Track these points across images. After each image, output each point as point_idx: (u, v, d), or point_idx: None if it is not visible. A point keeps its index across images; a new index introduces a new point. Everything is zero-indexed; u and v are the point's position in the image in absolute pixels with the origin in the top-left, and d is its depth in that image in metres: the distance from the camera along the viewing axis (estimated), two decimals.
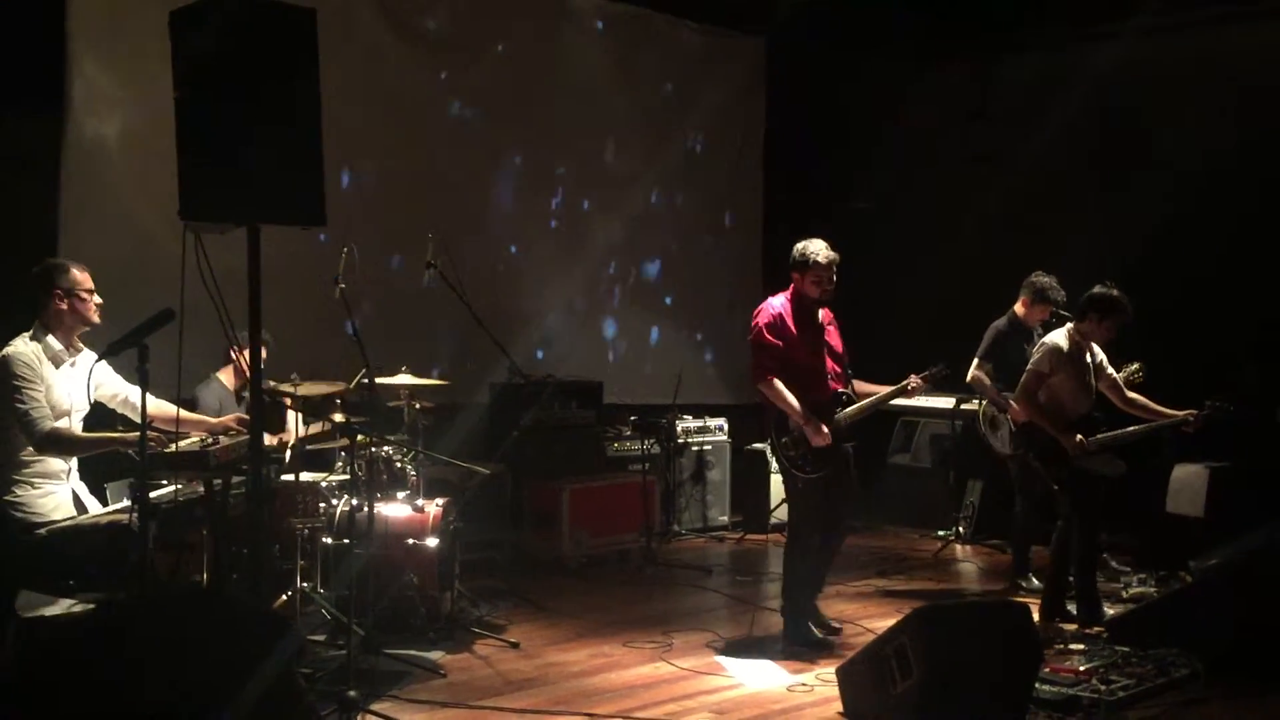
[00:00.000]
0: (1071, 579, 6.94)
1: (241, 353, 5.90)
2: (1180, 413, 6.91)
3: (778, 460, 6.51)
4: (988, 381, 7.70)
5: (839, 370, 6.55)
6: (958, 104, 10.50)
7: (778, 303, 6.50)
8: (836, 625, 6.69)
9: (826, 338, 6.54)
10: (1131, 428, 6.93)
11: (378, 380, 6.57)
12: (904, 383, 6.52)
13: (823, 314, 6.58)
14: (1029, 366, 6.95)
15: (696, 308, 11.01)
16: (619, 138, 10.40)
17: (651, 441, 9.37)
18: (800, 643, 6.41)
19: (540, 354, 9.59)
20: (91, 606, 4.26)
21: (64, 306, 5.48)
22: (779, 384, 6.33)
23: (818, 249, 6.41)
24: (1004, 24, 10.02)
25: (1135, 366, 7.29)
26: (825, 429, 6.29)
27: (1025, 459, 7.34)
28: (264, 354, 6.90)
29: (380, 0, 8.77)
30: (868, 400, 6.54)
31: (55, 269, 5.54)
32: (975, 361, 7.85)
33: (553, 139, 9.89)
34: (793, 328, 6.41)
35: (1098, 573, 7.06)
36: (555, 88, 9.86)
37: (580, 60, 10.05)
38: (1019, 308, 7.85)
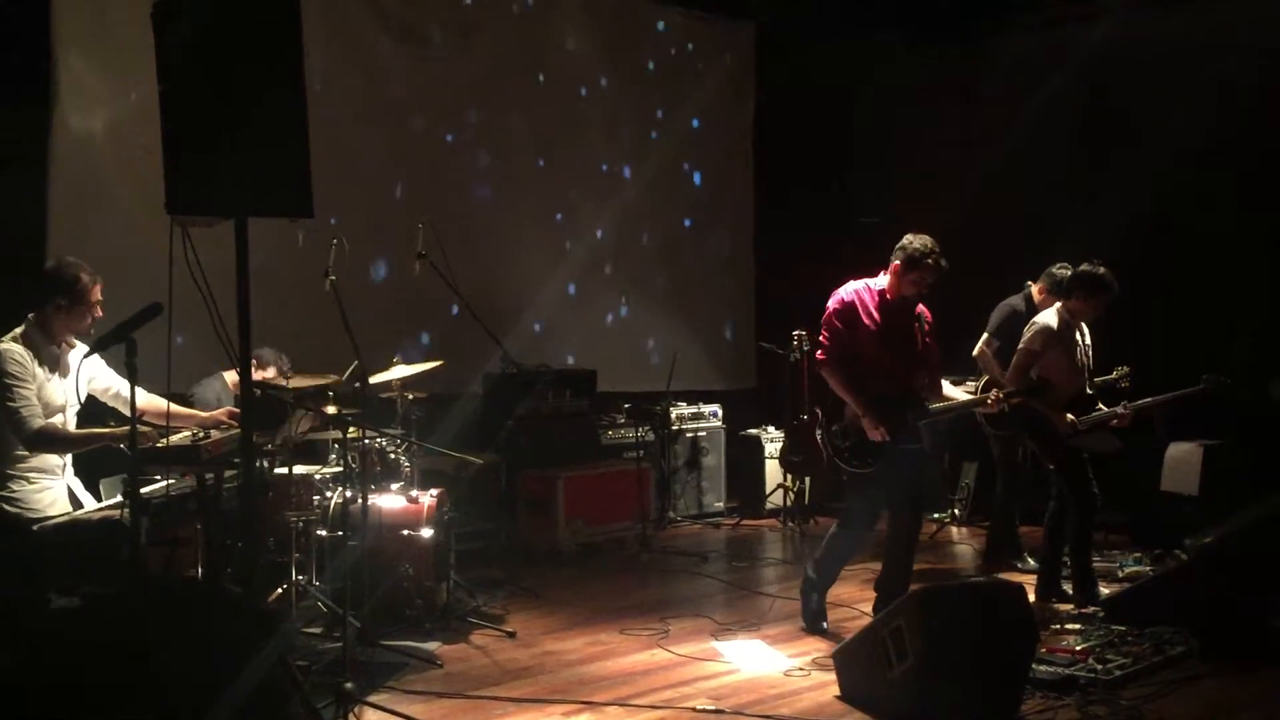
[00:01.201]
0: (1067, 559, 6.95)
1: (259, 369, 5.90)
2: (1110, 409, 6.91)
3: (824, 448, 6.38)
4: (993, 359, 7.67)
5: (914, 367, 6.30)
6: (950, 84, 10.47)
7: (855, 288, 6.29)
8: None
9: (913, 335, 6.31)
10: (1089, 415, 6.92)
11: (371, 376, 6.57)
12: (983, 396, 6.56)
13: (919, 310, 6.34)
14: (1020, 345, 6.95)
15: (689, 294, 11.00)
16: (609, 124, 10.37)
17: (646, 429, 9.37)
18: (810, 612, 6.42)
19: (534, 340, 9.57)
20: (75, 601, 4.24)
21: (62, 316, 5.45)
22: (839, 371, 6.19)
23: (931, 249, 6.15)
24: (995, 4, 10.00)
25: (1125, 370, 7.27)
26: (882, 425, 6.11)
27: (1011, 437, 7.35)
28: (274, 373, 6.96)
29: None
30: (945, 405, 6.45)
31: (65, 276, 5.45)
32: (984, 337, 7.85)
33: (541, 127, 9.87)
34: (867, 318, 6.22)
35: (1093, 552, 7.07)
36: (542, 75, 9.84)
37: (567, 48, 10.02)
38: (1035, 293, 7.83)
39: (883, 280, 6.32)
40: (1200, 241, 8.85)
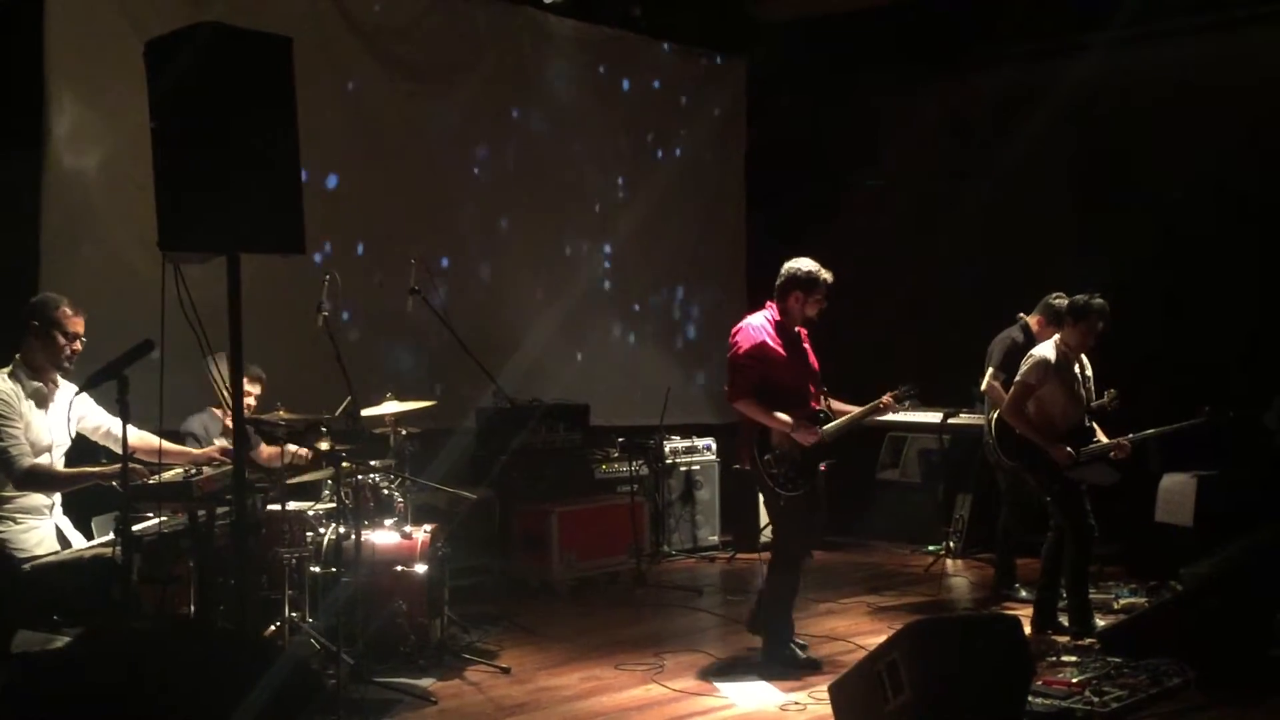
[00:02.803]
0: (1063, 591, 6.93)
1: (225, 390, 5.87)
2: (1113, 440, 6.92)
3: (759, 480, 6.45)
4: (1002, 392, 7.63)
5: (816, 389, 6.55)
6: (939, 120, 10.53)
7: (759, 323, 6.45)
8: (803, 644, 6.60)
9: (808, 356, 6.56)
10: (1091, 446, 6.91)
11: (364, 411, 6.57)
12: (876, 401, 6.57)
13: (801, 332, 6.58)
14: (1017, 378, 6.96)
15: (682, 328, 11.02)
16: (602, 160, 10.41)
17: (640, 463, 9.35)
18: (783, 663, 6.37)
19: (527, 375, 9.56)
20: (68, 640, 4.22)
21: (37, 343, 5.44)
22: (754, 400, 6.31)
23: (819, 267, 6.44)
24: (980, 40, 10.06)
25: (1113, 393, 7.28)
26: (812, 431, 6.30)
27: (1017, 469, 7.33)
28: (257, 388, 6.92)
29: (358, 28, 8.78)
30: (844, 419, 6.56)
31: (45, 302, 5.49)
32: (990, 371, 7.85)
33: (534, 163, 9.90)
34: (778, 348, 6.39)
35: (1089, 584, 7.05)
36: (535, 112, 9.88)
37: (560, 85, 10.07)
38: (1034, 324, 7.83)
39: (769, 312, 6.50)
40: (1191, 272, 8.88)
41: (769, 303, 6.54)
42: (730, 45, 11.20)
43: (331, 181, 8.47)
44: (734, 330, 6.52)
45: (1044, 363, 6.86)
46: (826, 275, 6.42)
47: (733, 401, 6.43)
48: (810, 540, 6.61)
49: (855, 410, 6.62)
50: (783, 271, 6.49)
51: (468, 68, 9.46)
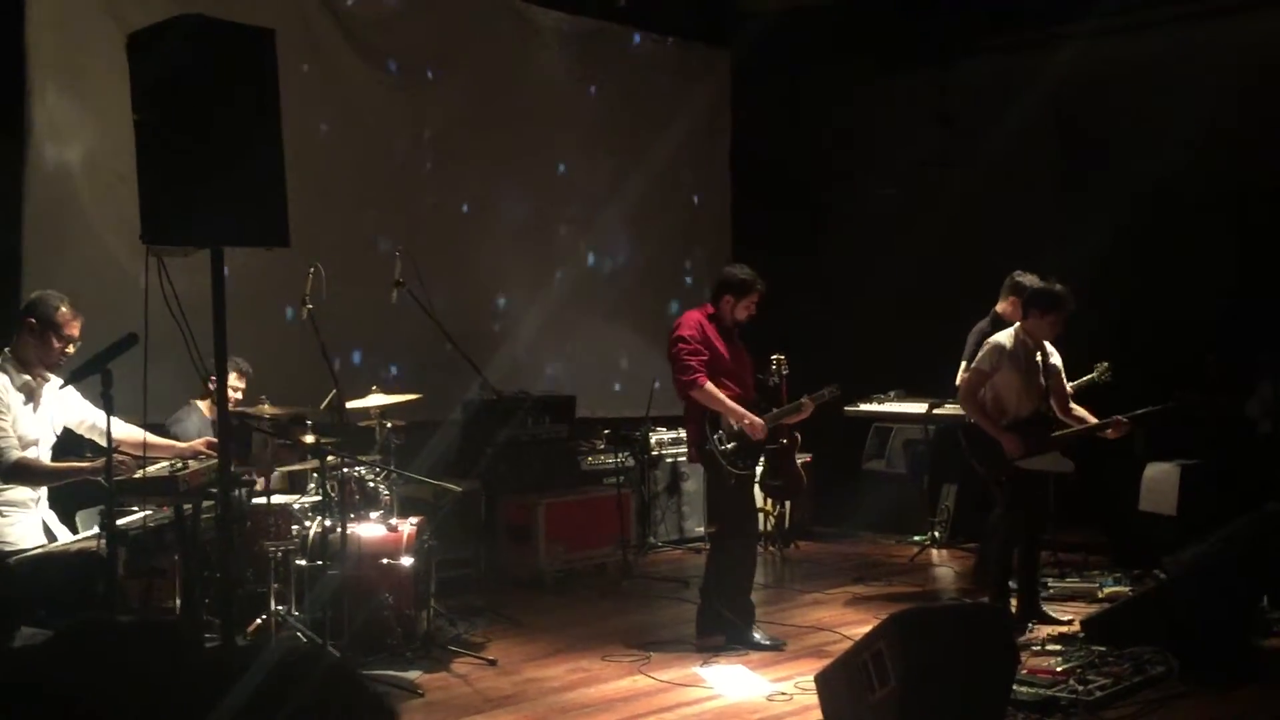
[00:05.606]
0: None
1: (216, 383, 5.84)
2: (1102, 420, 6.92)
3: (711, 461, 6.52)
4: None
5: (752, 382, 6.72)
6: (922, 110, 10.54)
7: (697, 319, 6.64)
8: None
9: (745, 354, 6.72)
10: (1073, 429, 6.90)
11: (349, 404, 6.56)
12: (798, 401, 6.66)
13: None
14: (972, 364, 6.93)
15: (668, 319, 11.01)
16: (587, 151, 10.40)
17: (626, 454, 9.36)
18: (747, 645, 6.48)
19: (513, 367, 9.56)
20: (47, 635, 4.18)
21: (32, 340, 5.41)
22: (711, 386, 6.44)
23: (756, 275, 6.66)
24: (964, 29, 10.08)
25: (1104, 365, 7.26)
26: (762, 424, 6.46)
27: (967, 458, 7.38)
28: (243, 383, 6.92)
29: (341, 20, 8.76)
30: (770, 415, 6.64)
31: (44, 302, 5.44)
32: (963, 365, 7.82)
33: (518, 155, 9.88)
34: (716, 343, 6.57)
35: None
36: (519, 103, 9.86)
37: (544, 76, 10.05)
38: (1002, 307, 7.80)
39: (704, 311, 6.70)
40: (1171, 261, 8.91)
41: (705, 305, 6.76)
42: (714, 35, 11.20)
43: (316, 173, 8.44)
44: (674, 326, 6.67)
45: (999, 349, 6.80)
46: (759, 284, 6.61)
47: (691, 390, 6.48)
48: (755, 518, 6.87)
49: (784, 408, 6.71)
50: (721, 275, 6.76)
51: (451, 59, 9.44)
